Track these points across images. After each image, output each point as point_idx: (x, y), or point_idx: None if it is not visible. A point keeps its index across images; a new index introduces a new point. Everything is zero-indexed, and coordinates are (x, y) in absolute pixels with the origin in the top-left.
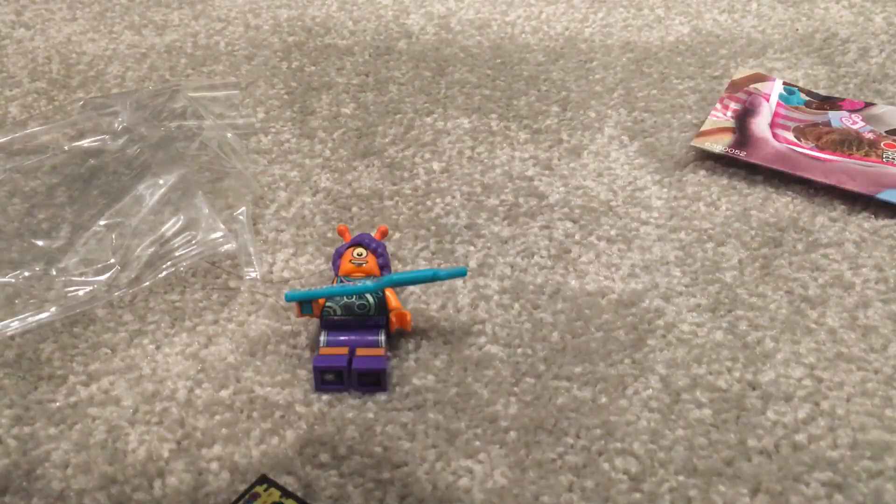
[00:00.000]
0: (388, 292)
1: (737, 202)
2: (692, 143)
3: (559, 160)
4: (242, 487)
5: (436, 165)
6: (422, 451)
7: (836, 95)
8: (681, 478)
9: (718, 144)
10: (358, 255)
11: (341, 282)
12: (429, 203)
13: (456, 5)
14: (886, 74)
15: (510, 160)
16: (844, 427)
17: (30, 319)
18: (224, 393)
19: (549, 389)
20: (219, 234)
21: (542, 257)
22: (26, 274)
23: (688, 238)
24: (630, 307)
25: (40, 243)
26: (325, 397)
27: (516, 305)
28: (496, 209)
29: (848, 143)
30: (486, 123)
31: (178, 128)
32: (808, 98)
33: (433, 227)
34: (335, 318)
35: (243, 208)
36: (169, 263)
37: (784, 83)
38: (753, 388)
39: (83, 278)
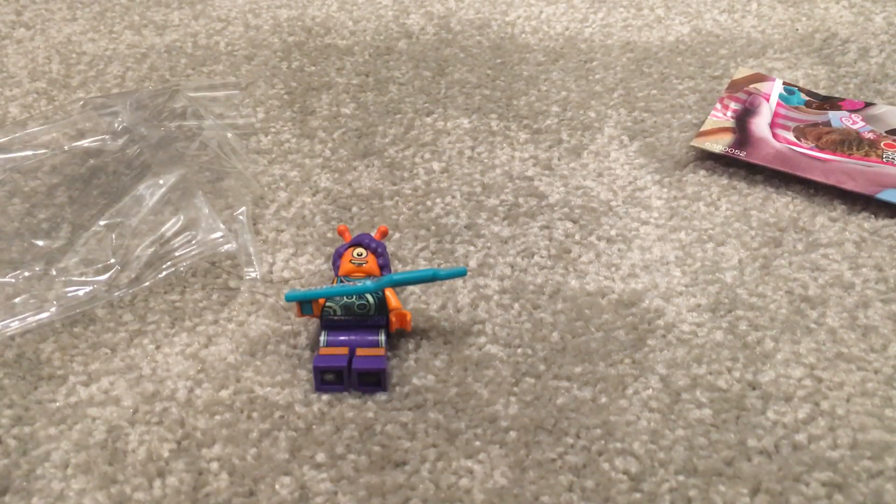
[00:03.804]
0: (388, 292)
1: (737, 202)
2: (692, 143)
3: (559, 160)
4: (242, 488)
5: (436, 165)
6: (422, 450)
7: (836, 95)
8: (681, 478)
9: (718, 144)
10: (358, 255)
11: (341, 282)
12: (429, 203)
13: (456, 5)
14: (886, 74)
15: (510, 160)
16: (844, 427)
17: (30, 319)
18: (224, 393)
19: (549, 389)
20: (219, 234)
21: (542, 257)
22: (26, 274)
23: (688, 238)
24: (630, 307)
25: (40, 243)
26: (325, 397)
27: (516, 305)
28: (496, 209)
29: (848, 143)
30: (486, 123)
31: (178, 128)
32: (808, 98)
33: (433, 227)
34: (335, 318)
35: (243, 208)
36: (169, 263)
37: (784, 83)
38: (753, 388)
39: (83, 278)
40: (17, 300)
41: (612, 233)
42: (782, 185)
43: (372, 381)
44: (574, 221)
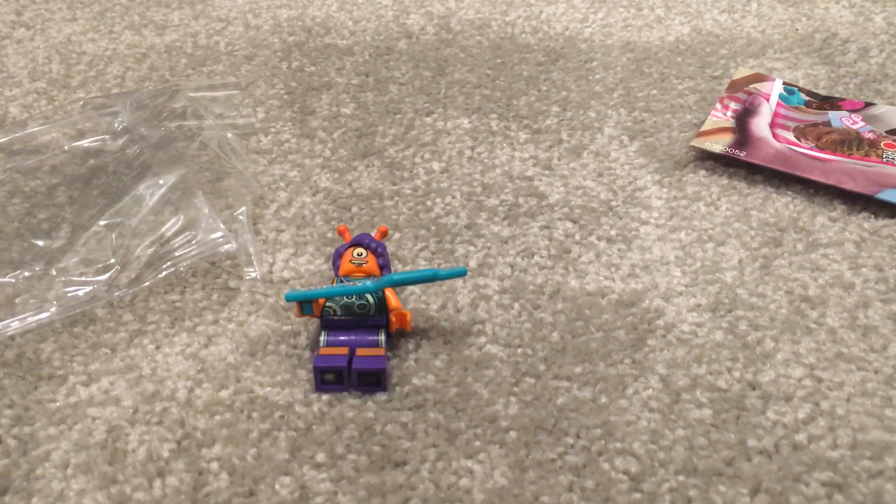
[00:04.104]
0: (388, 292)
1: (737, 202)
2: (692, 143)
3: (559, 160)
4: (242, 488)
5: (436, 165)
6: (422, 450)
7: (836, 95)
8: (681, 478)
9: (718, 144)
10: (358, 255)
11: (341, 282)
12: (429, 203)
13: (456, 5)
14: (886, 74)
15: (510, 160)
16: (844, 427)
17: (30, 319)
18: (224, 393)
19: (549, 389)
20: (219, 234)
21: (542, 257)
22: (26, 274)
23: (688, 238)
24: (630, 307)
25: (40, 243)
26: (325, 397)
27: (516, 305)
28: (496, 209)
29: (848, 143)
30: (486, 123)
31: (178, 128)
32: (808, 98)
33: (433, 227)
34: (335, 318)
35: (243, 208)
36: (169, 263)
37: (784, 83)
38: (753, 388)
39: (83, 278)
40: (17, 300)
41: (612, 233)
42: (782, 185)
43: (372, 381)
44: (574, 221)
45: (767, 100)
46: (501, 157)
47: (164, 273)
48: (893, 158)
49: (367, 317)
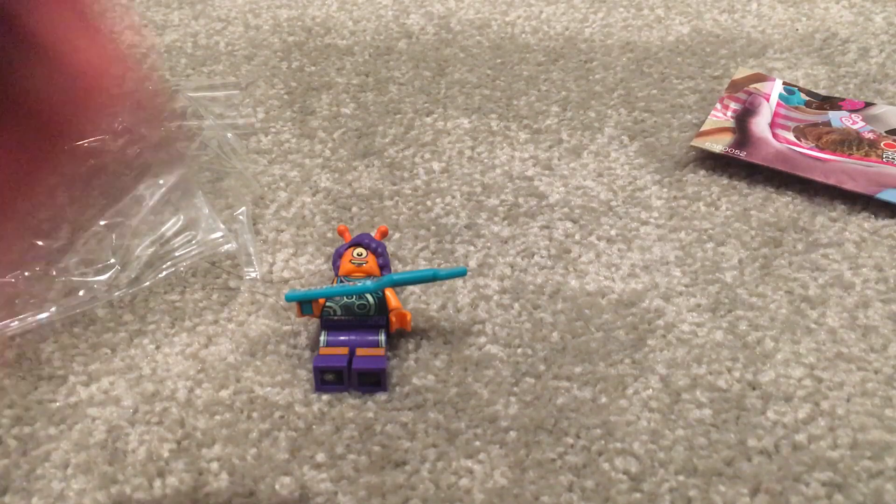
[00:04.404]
0: (388, 292)
1: (737, 202)
2: (692, 143)
3: (559, 160)
4: (243, 488)
5: (436, 165)
6: (422, 450)
7: (836, 95)
8: (681, 478)
9: (718, 144)
10: (358, 255)
11: (341, 282)
12: (429, 203)
13: (456, 5)
14: (886, 74)
15: (510, 160)
16: (844, 427)
17: (30, 319)
18: (224, 393)
19: (549, 389)
20: (219, 234)
21: (542, 257)
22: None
23: (688, 238)
24: (630, 307)
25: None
26: (325, 397)
27: (516, 305)
28: (496, 209)
29: (848, 143)
30: (486, 123)
31: (178, 128)
32: (808, 98)
33: (433, 227)
34: (335, 318)
35: (243, 208)
36: (169, 263)
37: (784, 83)
38: (753, 388)
39: (83, 278)
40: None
41: (612, 233)
42: (782, 185)
43: (372, 381)
44: (574, 221)
45: (767, 100)
46: (501, 157)
47: (164, 273)
48: (893, 158)
49: (367, 317)
